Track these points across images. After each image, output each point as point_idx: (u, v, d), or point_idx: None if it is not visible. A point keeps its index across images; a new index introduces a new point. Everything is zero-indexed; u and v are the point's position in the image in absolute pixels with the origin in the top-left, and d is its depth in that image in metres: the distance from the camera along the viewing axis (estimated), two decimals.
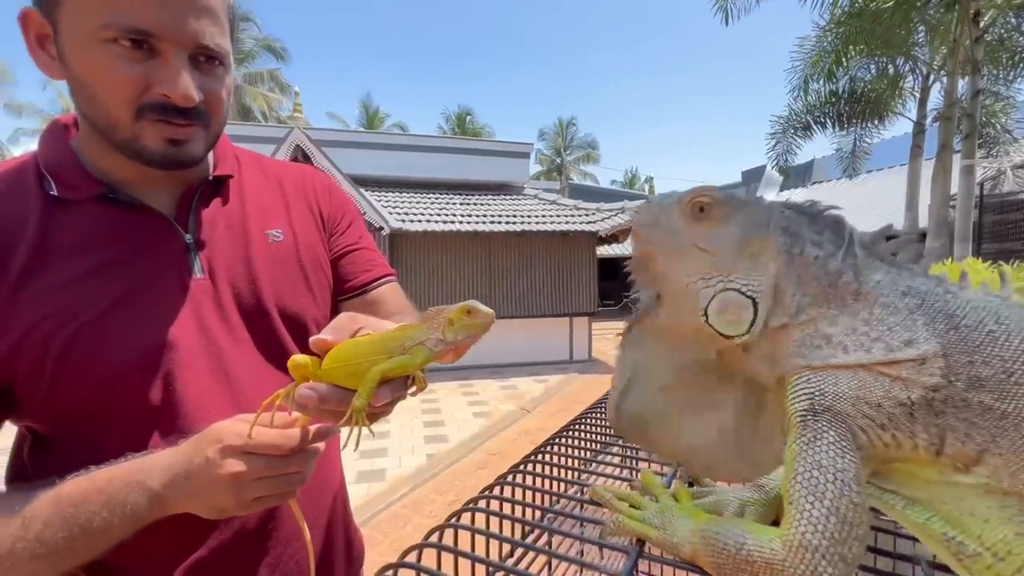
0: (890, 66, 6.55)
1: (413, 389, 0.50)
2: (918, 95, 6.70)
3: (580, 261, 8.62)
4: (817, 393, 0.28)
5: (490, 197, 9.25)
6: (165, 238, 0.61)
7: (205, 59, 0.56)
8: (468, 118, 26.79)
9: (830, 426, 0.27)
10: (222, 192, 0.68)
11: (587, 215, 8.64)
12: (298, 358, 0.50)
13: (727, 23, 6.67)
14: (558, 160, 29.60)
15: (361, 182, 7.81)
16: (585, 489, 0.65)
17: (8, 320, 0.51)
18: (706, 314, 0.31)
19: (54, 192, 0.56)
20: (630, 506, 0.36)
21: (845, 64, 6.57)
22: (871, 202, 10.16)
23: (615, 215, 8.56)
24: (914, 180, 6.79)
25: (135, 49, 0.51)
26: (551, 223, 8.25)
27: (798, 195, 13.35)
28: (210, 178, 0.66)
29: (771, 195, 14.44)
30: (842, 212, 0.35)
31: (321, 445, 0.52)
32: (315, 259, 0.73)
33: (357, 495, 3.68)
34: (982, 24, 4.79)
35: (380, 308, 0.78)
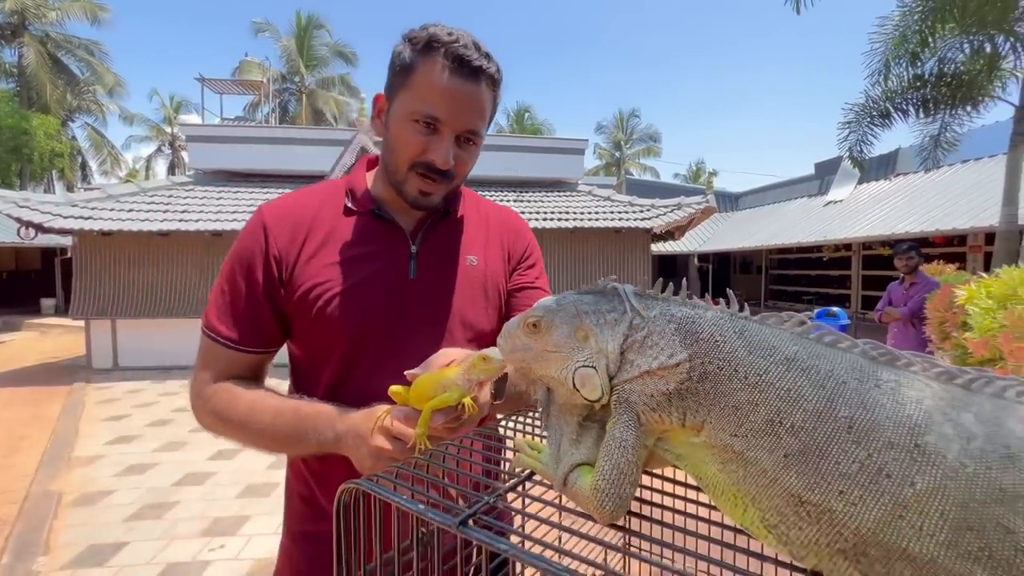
0: (987, 44, 5.90)
1: (464, 416, 0.63)
2: (1021, 76, 5.98)
3: (634, 258, 8.53)
4: (621, 391, 0.41)
5: (543, 194, 9.35)
6: (400, 246, 0.86)
7: (466, 139, 0.80)
8: (526, 115, 26.92)
9: (624, 411, 0.40)
10: (445, 221, 0.91)
11: (642, 211, 8.51)
12: (395, 388, 0.67)
13: (798, 11, 6.31)
14: (617, 154, 28.99)
15: None
16: None
17: (303, 278, 0.81)
18: (578, 390, 0.43)
19: (349, 205, 0.87)
20: (532, 450, 0.49)
21: (932, 44, 6.00)
22: (964, 195, 9.16)
23: (671, 211, 8.36)
24: (1014, 171, 6.06)
25: (425, 127, 0.77)
26: (604, 220, 8.22)
27: (878, 188, 12.26)
28: (440, 210, 0.89)
29: (848, 188, 13.33)
30: (614, 281, 0.48)
31: None
32: (496, 285, 0.93)
33: None
34: None
35: None
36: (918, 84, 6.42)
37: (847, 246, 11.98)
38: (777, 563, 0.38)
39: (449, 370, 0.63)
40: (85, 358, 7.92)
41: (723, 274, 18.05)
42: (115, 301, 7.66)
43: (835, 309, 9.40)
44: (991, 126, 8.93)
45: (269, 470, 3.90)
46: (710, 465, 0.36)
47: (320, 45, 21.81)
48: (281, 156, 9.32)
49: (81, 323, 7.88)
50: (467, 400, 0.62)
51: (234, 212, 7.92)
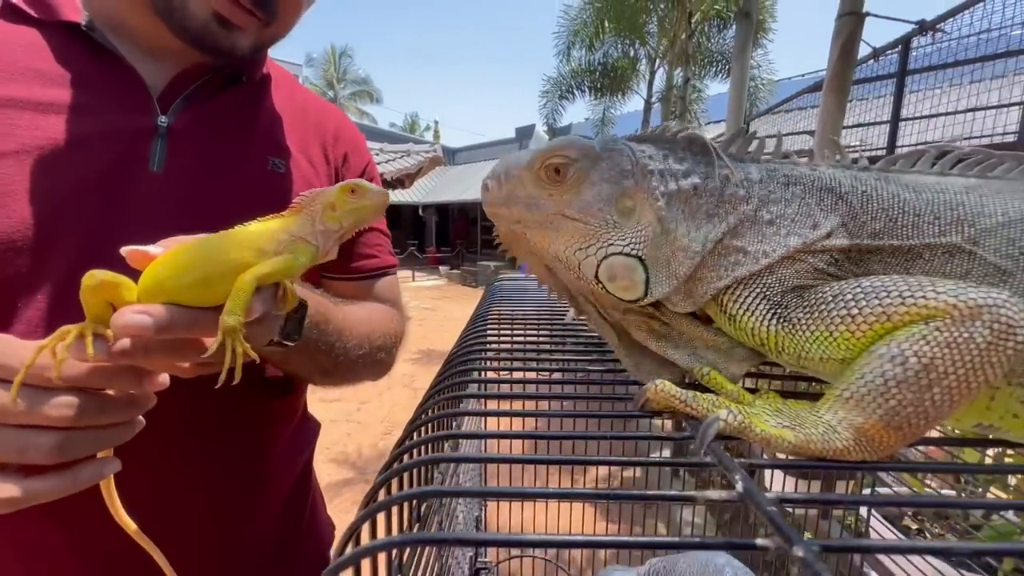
0: (631, 48, 7.81)
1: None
2: (647, 77, 8.22)
3: None
4: (766, 289, 0.29)
5: None
6: (133, 110, 0.51)
7: None
8: None
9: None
10: (234, 89, 0.58)
11: (373, 155, 8.06)
12: (101, 274, 0.32)
13: None
14: (331, 93, 26.62)
15: None
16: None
17: None
18: (600, 283, 0.30)
19: (20, 3, 0.49)
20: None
21: (601, 38, 7.54)
22: None
23: (400, 157, 8.24)
24: None
25: None
26: None
27: None
28: (228, 67, 0.55)
29: None
30: (688, 128, 0.35)
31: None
32: None
33: None
34: (693, 23, 6.10)
35: (370, 298, 0.70)
36: (591, 70, 8.04)
37: None
38: None
39: (273, 221, 0.37)
40: None
41: (443, 224, 19.35)
42: None
43: None
44: (635, 113, 12.12)
45: None
46: None
47: None
48: None
49: None
50: (288, 284, 0.39)
51: None
